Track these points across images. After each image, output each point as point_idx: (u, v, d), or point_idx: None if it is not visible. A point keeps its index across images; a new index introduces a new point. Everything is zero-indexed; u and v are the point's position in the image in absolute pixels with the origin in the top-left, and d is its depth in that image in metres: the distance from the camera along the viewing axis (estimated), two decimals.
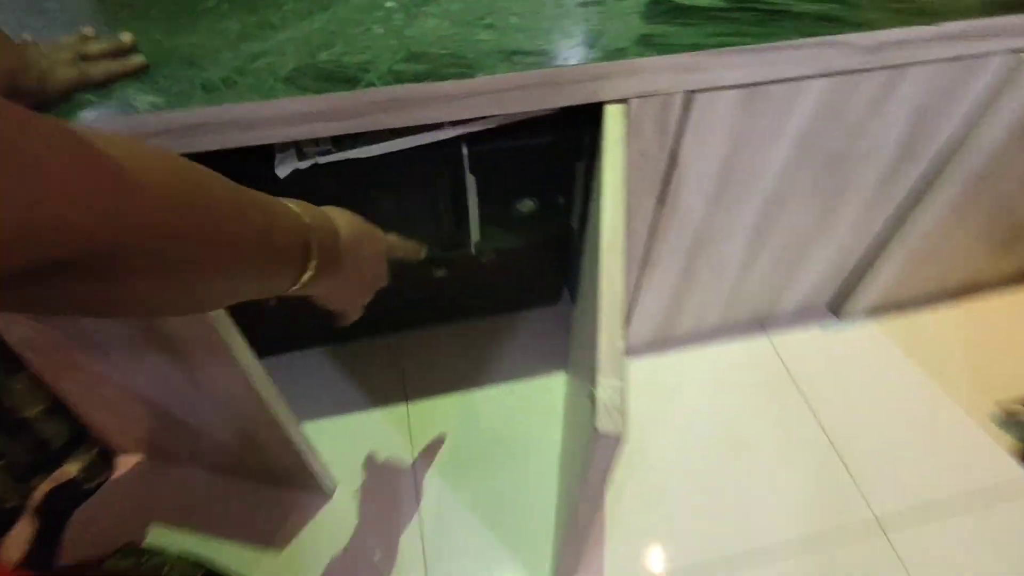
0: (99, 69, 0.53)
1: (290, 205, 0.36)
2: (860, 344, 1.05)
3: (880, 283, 1.00)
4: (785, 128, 0.69)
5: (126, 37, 0.56)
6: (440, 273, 0.95)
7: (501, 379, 0.99)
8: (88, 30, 0.56)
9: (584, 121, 0.68)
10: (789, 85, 0.64)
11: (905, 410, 0.97)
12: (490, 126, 0.66)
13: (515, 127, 0.68)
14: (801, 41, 0.59)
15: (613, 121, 0.59)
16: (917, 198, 0.85)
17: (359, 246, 0.43)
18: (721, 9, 0.63)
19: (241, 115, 0.53)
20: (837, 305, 1.08)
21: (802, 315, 1.08)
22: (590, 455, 0.45)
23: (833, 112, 0.68)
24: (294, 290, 0.36)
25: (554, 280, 1.06)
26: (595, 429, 0.42)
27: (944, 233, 0.91)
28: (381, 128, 0.57)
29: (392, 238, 0.52)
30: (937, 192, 0.82)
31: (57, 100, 0.52)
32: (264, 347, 0.86)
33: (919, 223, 0.87)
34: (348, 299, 0.46)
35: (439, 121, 0.58)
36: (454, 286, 1.00)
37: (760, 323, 1.07)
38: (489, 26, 0.61)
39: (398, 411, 0.96)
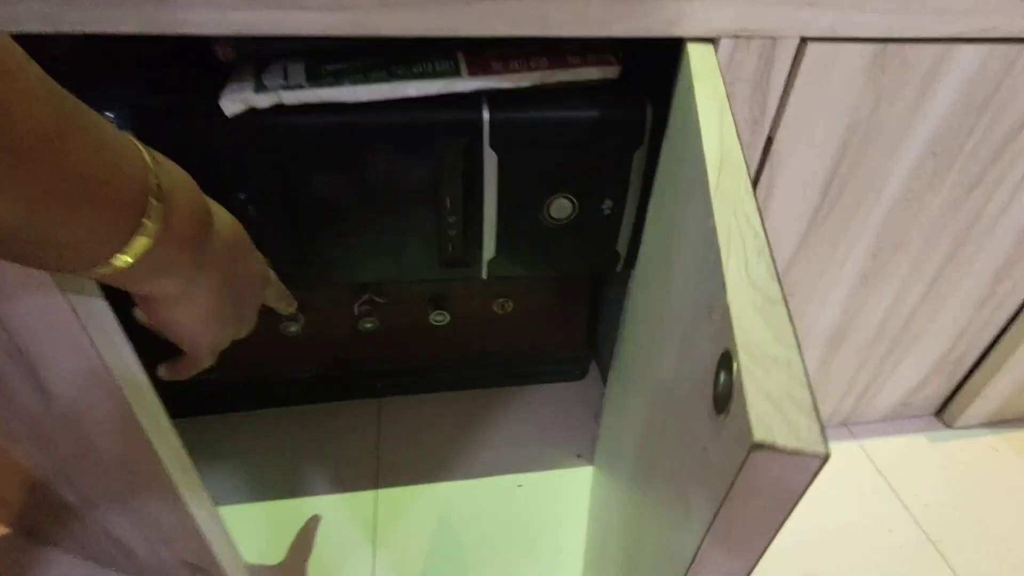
0: None
1: (136, 143, 0.26)
2: (978, 459, 0.79)
3: (1005, 385, 0.77)
4: (918, 120, 0.51)
5: None
6: (439, 319, 0.74)
7: (504, 467, 0.74)
8: None
9: (649, 95, 0.51)
10: (932, 49, 0.47)
11: None
12: (523, 85, 0.49)
13: (557, 94, 0.51)
14: None
15: (702, 56, 0.41)
16: None
17: (235, 252, 0.33)
18: None
19: None
20: (945, 411, 0.84)
21: (899, 420, 0.84)
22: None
23: (983, 101, 0.51)
24: (114, 269, 0.25)
25: (581, 349, 0.85)
26: (762, 444, 0.19)
27: None
28: (374, 34, 0.40)
29: (271, 270, 0.42)
30: None
31: None
32: (202, 404, 0.64)
33: None
34: (199, 326, 0.33)
35: (454, 35, 0.41)
36: (454, 341, 0.79)
37: (845, 425, 0.83)
38: None
39: (362, 498, 0.70)
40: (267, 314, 0.70)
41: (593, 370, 0.88)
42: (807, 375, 0.20)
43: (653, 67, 0.52)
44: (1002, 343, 0.75)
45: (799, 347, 0.21)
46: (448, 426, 0.79)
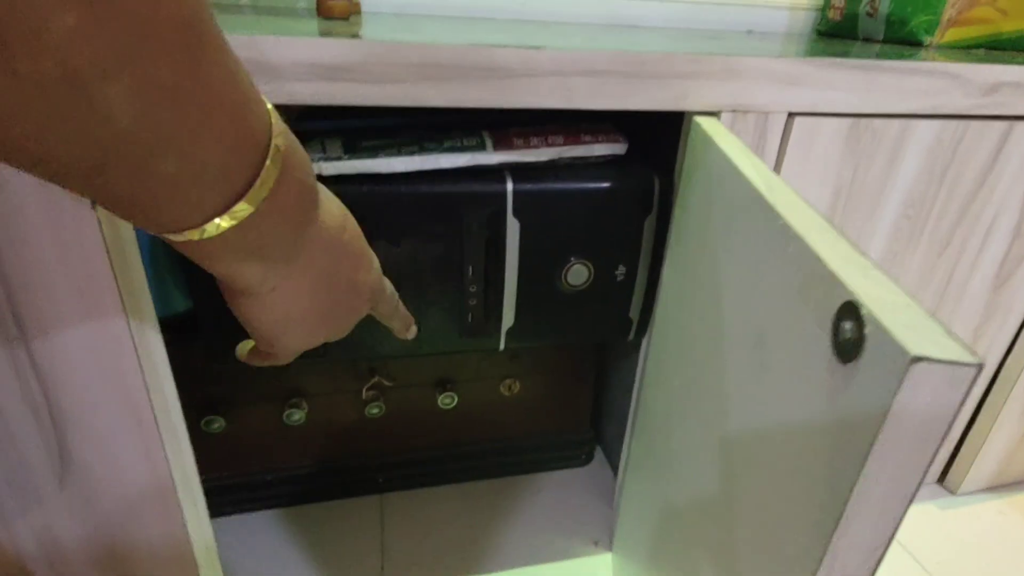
0: None
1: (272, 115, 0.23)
2: (987, 524, 0.79)
3: (999, 443, 0.80)
4: (892, 183, 0.57)
5: None
6: (447, 402, 0.73)
7: (519, 560, 0.70)
8: None
9: (654, 168, 0.56)
10: (897, 123, 0.54)
11: None
12: (542, 160, 0.54)
13: (571, 168, 0.55)
14: (912, 64, 0.51)
15: (710, 124, 0.47)
16: None
17: (341, 250, 0.30)
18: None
19: (241, 50, 0.39)
20: (947, 477, 0.85)
21: None
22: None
23: (943, 167, 0.58)
24: (204, 234, 0.22)
25: (586, 433, 0.84)
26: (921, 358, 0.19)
27: None
28: (416, 104, 0.44)
29: (387, 281, 0.39)
30: None
31: None
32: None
33: None
34: (282, 328, 0.30)
35: (488, 106, 0.45)
36: (461, 427, 0.77)
37: None
38: (558, 34, 0.52)
39: None
40: (272, 403, 0.68)
41: (598, 455, 0.87)
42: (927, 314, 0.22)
43: (654, 145, 0.58)
44: (986, 407, 0.78)
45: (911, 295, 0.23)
46: (455, 519, 0.74)
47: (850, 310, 0.23)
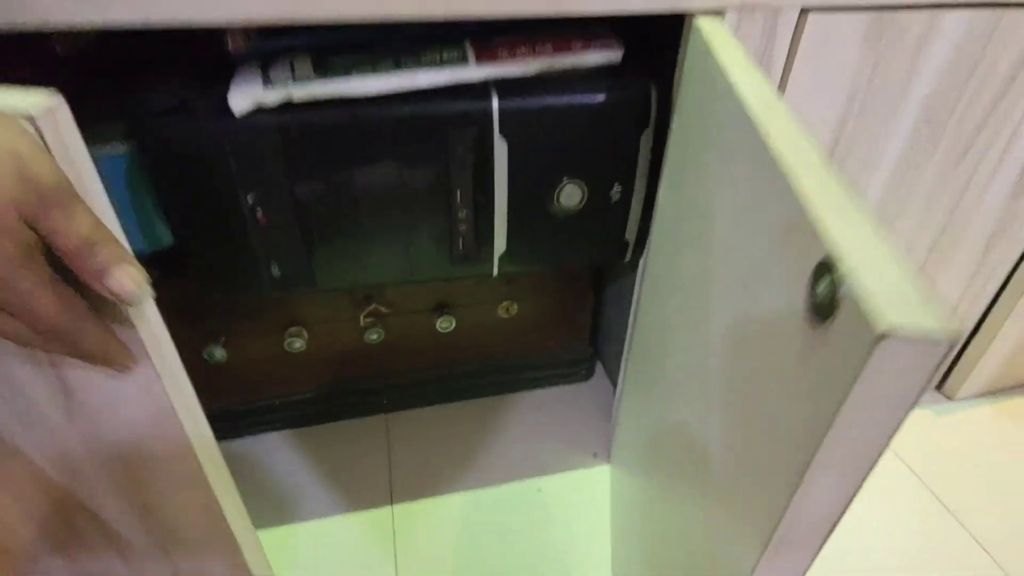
0: None
1: None
2: (982, 428, 0.81)
3: (1000, 355, 0.79)
4: (913, 84, 0.52)
5: None
6: (445, 326, 0.73)
7: (521, 473, 0.72)
8: None
9: (652, 76, 0.52)
10: (922, 15, 0.48)
11: None
12: (529, 72, 0.50)
13: (562, 80, 0.51)
14: None
15: (712, 27, 0.42)
16: None
17: None
18: None
19: None
20: (945, 383, 0.86)
21: None
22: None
23: (971, 65, 0.53)
24: None
25: (586, 350, 0.84)
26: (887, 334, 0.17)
27: None
28: (390, 17, 0.40)
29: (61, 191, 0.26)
30: None
31: None
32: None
33: None
34: None
35: (468, 15, 0.41)
36: (461, 348, 0.77)
37: None
38: None
39: (379, 515, 0.67)
40: (272, 333, 0.68)
41: (598, 370, 0.88)
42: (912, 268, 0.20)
43: (651, 51, 0.53)
44: (993, 313, 0.77)
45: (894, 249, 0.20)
46: (459, 436, 0.76)
47: (826, 268, 0.21)
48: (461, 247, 0.56)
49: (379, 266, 0.56)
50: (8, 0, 0.34)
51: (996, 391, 0.86)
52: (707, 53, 0.39)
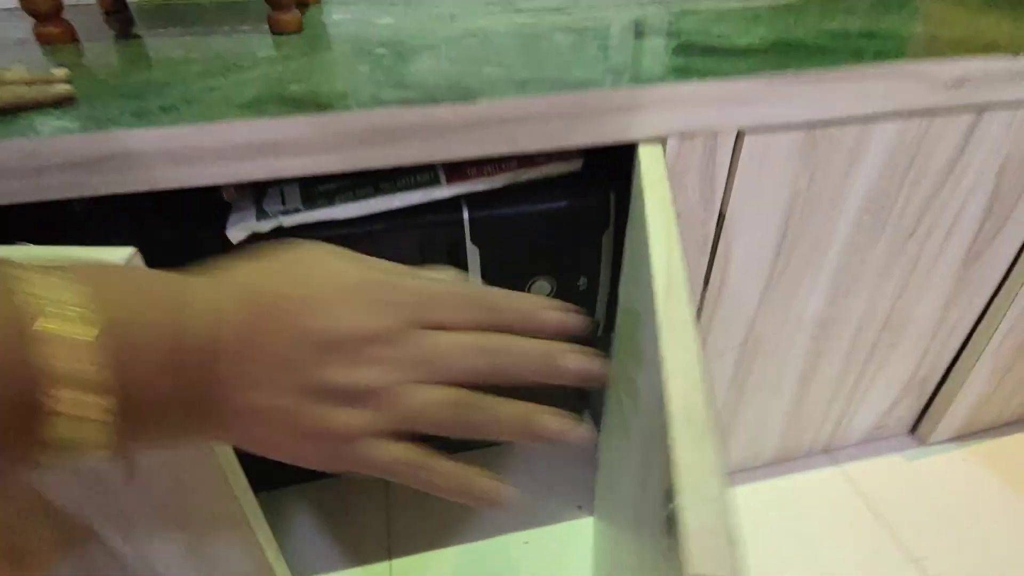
0: (9, 92, 0.43)
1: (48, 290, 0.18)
2: (950, 474, 0.84)
3: (967, 399, 0.83)
4: (851, 184, 0.57)
5: (59, 72, 0.46)
6: None
7: (511, 526, 0.78)
8: (18, 64, 0.47)
9: (610, 181, 0.57)
10: (855, 129, 0.53)
11: (1014, 552, 0.74)
12: (496, 186, 0.55)
13: (527, 189, 0.56)
14: (866, 68, 0.49)
15: (651, 160, 0.47)
16: (1005, 288, 0.72)
17: (274, 333, 0.22)
18: (762, 50, 0.54)
19: (177, 142, 0.41)
20: (918, 428, 0.90)
21: (878, 441, 0.89)
22: None
23: (906, 164, 0.57)
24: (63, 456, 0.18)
25: (572, 399, 0.89)
26: None
27: None
28: (361, 168, 0.45)
29: (436, 275, 0.29)
30: None
31: None
32: None
33: (1009, 321, 0.73)
34: (278, 439, 0.24)
35: (432, 161, 0.46)
36: None
37: (827, 452, 0.88)
38: (497, 64, 0.52)
39: (377, 571, 0.73)
40: None
41: (586, 419, 0.93)
42: (732, 510, 0.24)
43: (613, 155, 0.58)
44: (960, 363, 0.80)
45: (727, 484, 0.25)
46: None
47: (670, 495, 0.25)
48: None
49: None
50: (126, 175, 0.40)
51: (966, 435, 0.89)
52: (641, 193, 0.44)
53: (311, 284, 0.24)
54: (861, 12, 0.65)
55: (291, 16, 0.60)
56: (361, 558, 0.74)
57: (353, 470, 0.25)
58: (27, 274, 0.18)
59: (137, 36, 0.61)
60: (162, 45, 0.58)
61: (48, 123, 0.41)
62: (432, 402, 0.24)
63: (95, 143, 0.40)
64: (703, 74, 0.48)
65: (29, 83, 0.44)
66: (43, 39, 0.58)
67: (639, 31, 0.59)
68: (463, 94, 0.45)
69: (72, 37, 0.58)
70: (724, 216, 0.56)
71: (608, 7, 0.68)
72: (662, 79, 0.47)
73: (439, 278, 0.28)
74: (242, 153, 0.42)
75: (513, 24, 0.64)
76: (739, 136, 0.51)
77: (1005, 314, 0.73)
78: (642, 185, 0.44)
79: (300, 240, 0.27)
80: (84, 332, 0.18)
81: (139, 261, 0.36)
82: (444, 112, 0.44)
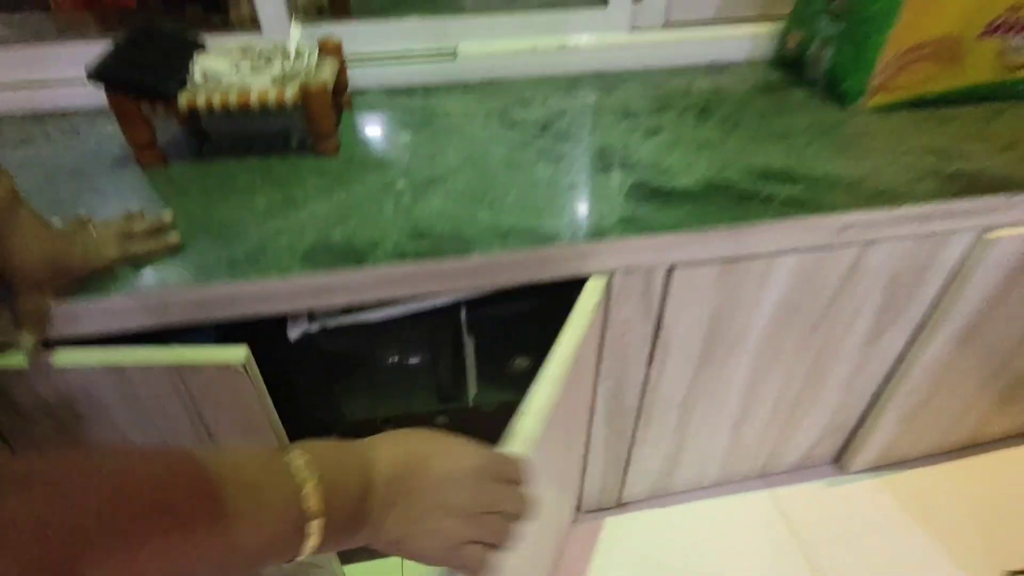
0: (140, 247, 0.60)
1: (294, 459, 0.34)
2: (862, 501, 1.02)
3: (878, 440, 1.00)
4: (763, 297, 0.73)
5: (167, 216, 0.64)
6: (441, 421, 0.97)
7: None
8: (135, 209, 0.64)
9: (576, 285, 0.74)
10: (762, 261, 0.69)
11: (908, 572, 0.92)
12: (486, 293, 0.72)
13: (510, 291, 0.73)
14: (771, 223, 0.65)
15: (588, 296, 0.64)
16: (903, 359, 0.88)
17: (408, 487, 0.38)
18: (697, 192, 0.69)
19: (261, 290, 0.58)
20: (841, 459, 1.07)
21: (806, 469, 1.07)
22: None
23: (807, 283, 0.73)
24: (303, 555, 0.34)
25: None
26: None
27: (934, 392, 0.93)
28: (386, 299, 0.63)
29: (496, 456, 0.42)
30: (921, 354, 0.85)
31: (101, 273, 0.58)
32: None
33: (907, 383, 0.89)
34: (427, 547, 0.38)
35: (438, 292, 0.64)
36: None
37: (762, 477, 1.06)
38: (488, 205, 0.68)
39: (390, 563, 0.93)
40: None
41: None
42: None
43: None
44: (871, 413, 0.97)
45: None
46: None
47: None
48: (445, 390, 0.80)
49: (390, 405, 0.80)
50: (226, 309, 0.58)
51: (881, 467, 1.07)
52: (570, 322, 0.61)
53: (439, 446, 0.41)
54: (794, 138, 0.80)
55: (331, 144, 0.76)
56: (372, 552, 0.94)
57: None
58: (295, 451, 0.35)
59: (212, 154, 0.78)
60: (232, 169, 0.75)
61: (172, 274, 0.58)
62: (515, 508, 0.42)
63: (205, 293, 0.57)
64: (643, 228, 0.64)
65: (150, 232, 0.61)
66: (142, 162, 0.74)
67: (604, 163, 0.75)
68: (462, 247, 0.62)
69: (163, 160, 0.75)
70: (661, 320, 0.72)
71: (583, 125, 0.83)
72: (611, 232, 0.63)
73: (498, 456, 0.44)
74: (304, 294, 0.60)
75: (505, 142, 0.79)
76: (670, 269, 0.67)
77: (905, 378, 0.89)
78: (575, 309, 0.61)
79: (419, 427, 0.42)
80: (312, 487, 0.33)
81: (251, 357, 0.54)
82: (448, 265, 0.61)
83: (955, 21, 0.79)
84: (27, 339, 0.55)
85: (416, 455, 0.39)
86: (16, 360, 0.57)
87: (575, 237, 0.63)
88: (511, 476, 0.42)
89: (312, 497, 0.33)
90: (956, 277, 0.77)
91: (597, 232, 0.64)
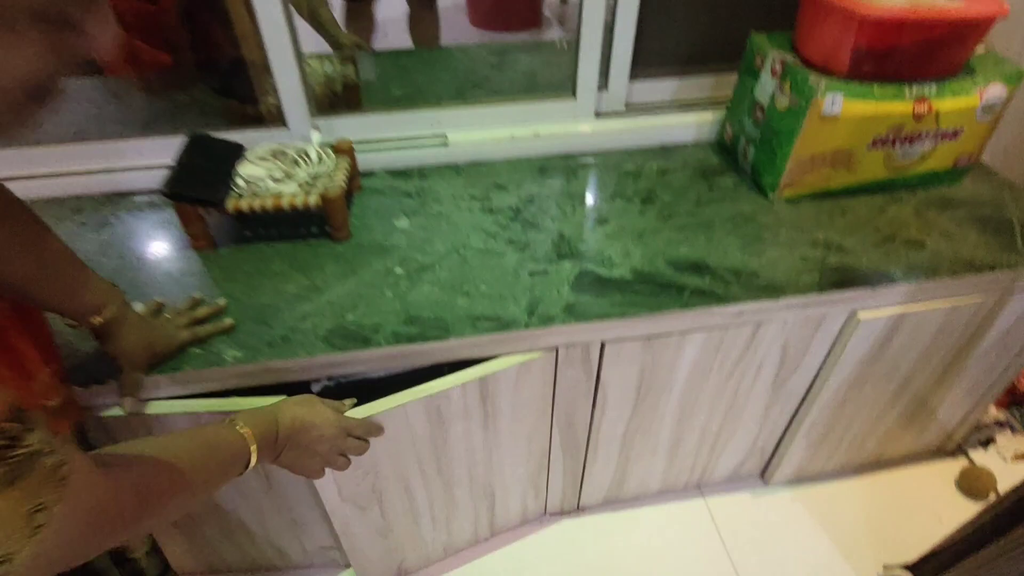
0: (205, 331, 0.81)
1: (238, 424, 0.61)
2: (780, 510, 1.24)
3: (793, 460, 1.21)
4: (679, 363, 0.94)
5: (222, 302, 0.85)
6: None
7: None
8: (197, 295, 0.85)
9: None
10: (676, 337, 0.89)
11: (807, 572, 1.14)
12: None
13: None
14: (680, 312, 0.85)
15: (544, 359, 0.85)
16: (805, 399, 1.09)
17: (297, 435, 0.68)
18: (628, 281, 0.89)
19: (293, 366, 0.80)
20: (765, 474, 1.29)
21: (737, 480, 1.28)
22: None
23: (715, 351, 0.94)
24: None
25: None
26: None
27: (833, 423, 1.14)
28: (403, 368, 0.84)
29: (350, 420, 0.76)
30: (819, 394, 1.06)
31: (174, 354, 0.79)
32: None
33: (810, 416, 1.10)
34: (302, 467, 0.71)
35: (421, 366, 0.85)
36: None
37: (699, 487, 1.27)
38: (465, 293, 0.88)
39: None
40: None
41: None
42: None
43: None
44: (785, 438, 1.18)
45: None
46: None
47: None
48: None
49: None
50: (266, 378, 0.79)
51: (800, 480, 1.28)
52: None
53: (313, 413, 0.70)
54: (717, 228, 0.99)
55: (344, 233, 0.96)
56: None
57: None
58: (237, 418, 0.63)
59: (250, 240, 0.98)
60: (266, 254, 0.95)
61: (227, 352, 0.79)
62: (353, 448, 0.75)
63: (254, 369, 0.79)
64: (581, 316, 0.84)
65: (208, 316, 0.82)
66: (196, 247, 0.95)
67: (560, 252, 0.95)
68: (442, 331, 0.82)
69: (213, 245, 0.96)
70: (599, 378, 0.93)
71: (547, 212, 1.03)
72: (557, 319, 0.84)
73: (343, 407, 0.77)
74: (326, 368, 0.81)
75: (483, 230, 0.99)
76: (603, 344, 0.88)
77: (808, 413, 1.10)
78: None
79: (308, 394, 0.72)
80: (249, 434, 0.62)
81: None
82: (431, 347, 0.82)
83: (846, 138, 0.97)
84: (127, 403, 0.76)
85: (302, 419, 0.68)
86: (116, 411, 0.78)
87: (529, 323, 0.84)
88: (354, 432, 0.76)
89: (251, 439, 0.61)
90: (836, 344, 0.98)
91: (546, 319, 0.84)
